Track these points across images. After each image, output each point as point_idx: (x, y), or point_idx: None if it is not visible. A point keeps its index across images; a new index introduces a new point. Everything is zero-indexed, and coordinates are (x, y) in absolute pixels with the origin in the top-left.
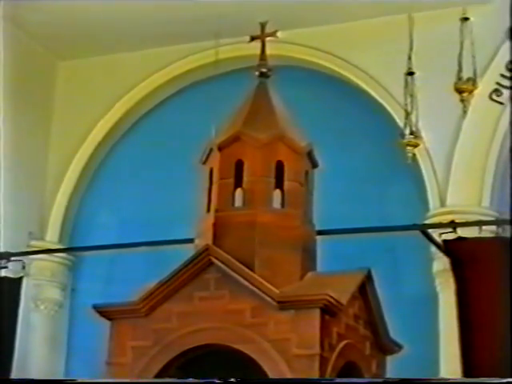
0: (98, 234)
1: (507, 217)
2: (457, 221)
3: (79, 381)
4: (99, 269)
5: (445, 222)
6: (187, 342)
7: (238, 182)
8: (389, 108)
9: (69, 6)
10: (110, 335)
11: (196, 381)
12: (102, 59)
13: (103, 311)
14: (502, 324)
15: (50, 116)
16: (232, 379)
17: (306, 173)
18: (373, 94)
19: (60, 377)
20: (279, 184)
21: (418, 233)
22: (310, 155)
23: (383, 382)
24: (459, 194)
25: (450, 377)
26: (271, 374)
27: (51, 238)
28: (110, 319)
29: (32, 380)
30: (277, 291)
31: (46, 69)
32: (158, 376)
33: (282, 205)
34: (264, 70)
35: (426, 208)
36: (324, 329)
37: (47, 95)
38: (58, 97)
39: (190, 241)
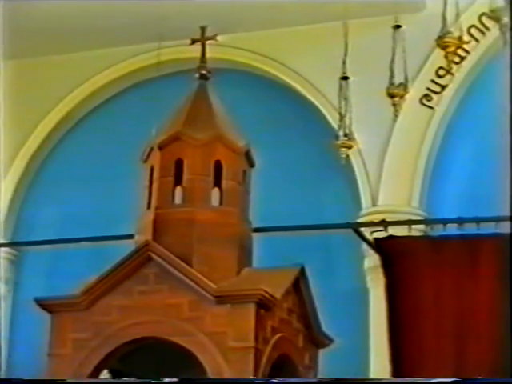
0: (41, 229)
1: (435, 216)
2: (387, 220)
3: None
4: (42, 263)
5: (376, 220)
6: (126, 335)
7: (178, 180)
8: (324, 110)
9: (14, 7)
10: (51, 328)
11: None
12: (46, 59)
13: (45, 304)
14: (429, 319)
15: None
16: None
17: (244, 172)
18: (309, 96)
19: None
20: (217, 183)
21: (350, 231)
22: (247, 155)
23: (317, 381)
24: (390, 194)
25: (379, 369)
26: (208, 366)
27: None
28: (51, 312)
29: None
30: (214, 286)
31: None
32: (97, 367)
33: (220, 203)
34: (204, 72)
35: (359, 207)
36: (259, 322)
37: None
38: (3, 95)
39: (131, 237)
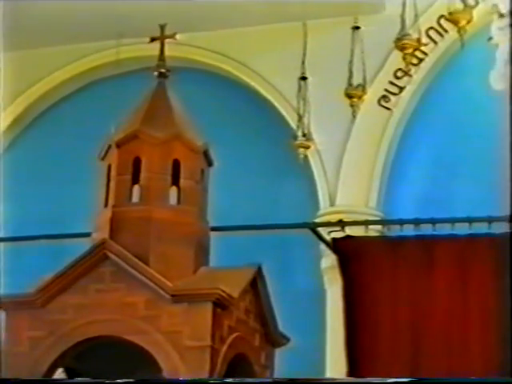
0: None
1: (392, 217)
2: (345, 220)
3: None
4: None
5: (334, 220)
6: (82, 333)
7: (136, 179)
8: (282, 110)
9: None
10: (6, 326)
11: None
12: (3, 56)
13: None
14: (385, 319)
15: None
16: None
17: (202, 171)
18: (268, 96)
19: None
20: (175, 181)
21: (307, 230)
22: (205, 154)
23: (272, 381)
24: (348, 195)
25: (335, 368)
26: (163, 365)
27: None
28: (6, 310)
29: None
30: (170, 285)
31: None
32: (53, 365)
33: (178, 202)
34: (162, 70)
35: (316, 207)
36: (216, 322)
37: None
38: None
39: (88, 235)
